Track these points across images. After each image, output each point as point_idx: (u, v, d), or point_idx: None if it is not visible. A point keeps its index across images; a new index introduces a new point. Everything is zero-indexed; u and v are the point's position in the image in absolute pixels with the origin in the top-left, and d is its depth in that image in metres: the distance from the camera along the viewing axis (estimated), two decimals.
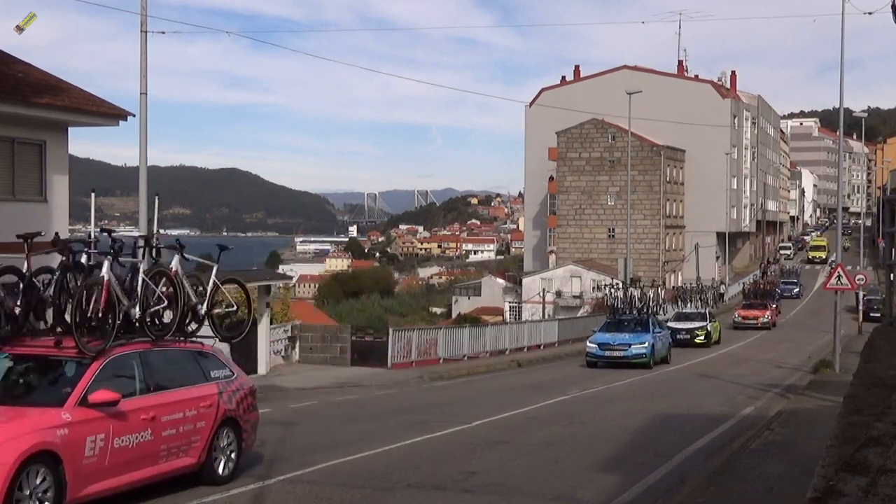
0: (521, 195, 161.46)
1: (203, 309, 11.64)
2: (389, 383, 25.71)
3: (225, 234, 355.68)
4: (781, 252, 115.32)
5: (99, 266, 10.36)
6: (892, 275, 12.02)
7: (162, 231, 25.16)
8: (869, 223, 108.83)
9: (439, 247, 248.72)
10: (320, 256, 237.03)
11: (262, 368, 26.95)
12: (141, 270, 10.77)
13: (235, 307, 13.46)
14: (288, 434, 15.16)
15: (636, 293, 43.54)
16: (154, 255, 11.30)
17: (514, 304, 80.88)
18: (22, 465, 8.41)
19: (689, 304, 53.23)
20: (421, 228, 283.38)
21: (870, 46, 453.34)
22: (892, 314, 10.40)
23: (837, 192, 42.80)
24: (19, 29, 17.07)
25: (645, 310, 40.16)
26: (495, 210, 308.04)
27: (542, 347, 39.96)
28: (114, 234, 11.42)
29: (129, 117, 25.07)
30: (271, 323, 28.15)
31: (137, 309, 10.55)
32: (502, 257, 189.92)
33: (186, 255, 11.83)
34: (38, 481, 8.57)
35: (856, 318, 50.08)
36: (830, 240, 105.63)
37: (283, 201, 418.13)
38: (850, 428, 5.49)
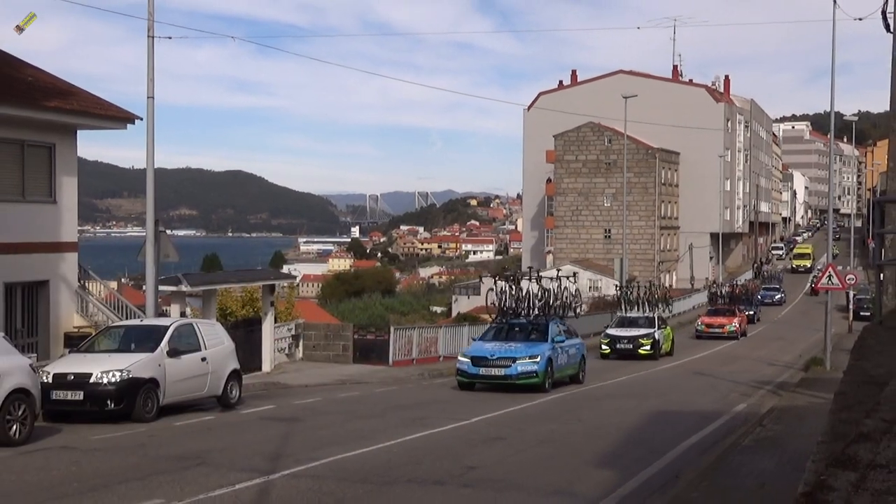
0: (519, 197, 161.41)
1: None
2: (390, 380, 25.72)
3: (230, 234, 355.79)
4: (773, 252, 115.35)
5: None
6: (881, 275, 12.01)
7: (169, 231, 25.17)
8: (859, 224, 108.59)
9: (439, 247, 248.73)
10: (323, 256, 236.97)
11: (266, 366, 26.98)
12: None
13: None
14: (292, 430, 15.17)
15: (555, 286, 27.80)
16: None
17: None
18: None
19: (637, 308, 41.00)
20: (421, 229, 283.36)
21: (860, 52, 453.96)
22: (882, 313, 10.39)
23: (828, 194, 42.79)
24: (19, 29, 17.00)
25: (560, 309, 27.49)
26: (494, 211, 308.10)
27: None
28: None
29: (136, 120, 25.09)
30: (275, 321, 28.16)
31: None
32: (501, 257, 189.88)
33: None
34: None
35: (846, 316, 50.07)
36: (816, 247, 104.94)
37: (286, 203, 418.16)
38: (841, 424, 5.49)
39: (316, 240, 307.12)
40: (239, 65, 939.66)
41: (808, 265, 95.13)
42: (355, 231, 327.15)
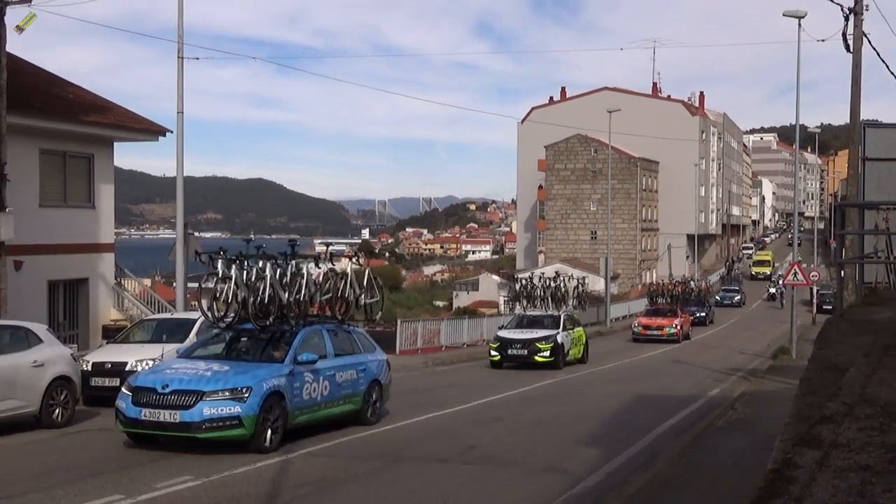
0: (513, 202, 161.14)
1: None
2: (397, 368, 25.62)
3: (252, 236, 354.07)
4: (744, 251, 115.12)
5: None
6: (842, 272, 12.01)
7: (196, 234, 25.16)
8: (822, 226, 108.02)
9: (441, 247, 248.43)
10: (336, 256, 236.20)
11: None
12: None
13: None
14: None
15: (317, 268, 14.73)
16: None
17: (508, 298, 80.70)
18: None
19: (543, 306, 30.01)
20: (425, 231, 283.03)
21: (823, 70, 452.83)
22: (843, 307, 10.39)
23: (794, 199, 42.77)
24: (19, 29, 16.76)
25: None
26: (491, 215, 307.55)
27: None
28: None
29: (167, 133, 25.12)
30: None
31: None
32: (497, 257, 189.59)
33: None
34: None
35: (810, 310, 50.05)
36: (777, 252, 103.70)
37: (303, 207, 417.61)
38: (806, 407, 5.49)
39: (330, 241, 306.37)
40: (261, 83, 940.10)
41: (768, 272, 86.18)
42: (365, 233, 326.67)
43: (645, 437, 13.25)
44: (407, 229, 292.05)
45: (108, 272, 24.88)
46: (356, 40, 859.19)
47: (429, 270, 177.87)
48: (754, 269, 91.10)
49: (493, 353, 25.67)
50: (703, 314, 48.20)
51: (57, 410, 13.71)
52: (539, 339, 25.31)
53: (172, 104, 21.00)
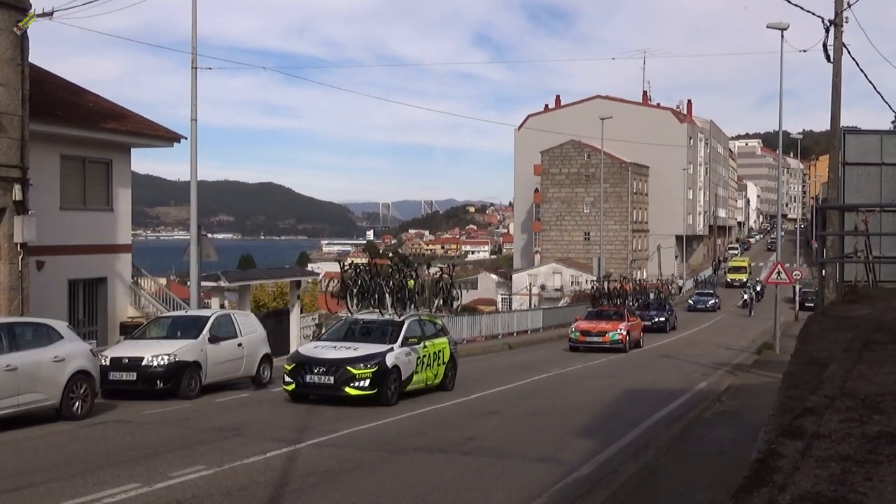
0: (511, 204, 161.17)
1: None
2: None
3: (262, 237, 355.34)
4: (730, 252, 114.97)
5: None
6: (823, 271, 12.00)
7: (209, 235, 25.14)
8: (803, 227, 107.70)
9: (442, 248, 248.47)
10: (342, 256, 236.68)
11: (293, 350, 26.89)
12: None
13: None
14: (315, 406, 15.14)
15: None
16: None
17: (506, 296, 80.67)
18: None
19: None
20: (427, 232, 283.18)
21: (804, 78, 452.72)
22: (824, 304, 10.37)
23: (777, 201, 42.79)
24: (19, 28, 16.76)
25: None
26: (489, 217, 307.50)
27: (528, 332, 39.91)
28: None
29: (181, 139, 25.10)
30: (301, 312, 28.13)
31: None
32: (495, 257, 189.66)
33: None
34: None
35: (793, 307, 50.01)
36: (755, 258, 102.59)
37: (311, 210, 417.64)
38: (789, 400, 5.48)
39: (336, 242, 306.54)
40: (270, 92, 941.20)
41: (744, 279, 75.48)
42: (370, 234, 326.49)
43: (636, 428, 13.23)
44: (409, 231, 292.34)
45: (126, 272, 24.88)
46: (361, 50, 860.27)
47: (430, 270, 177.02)
48: (730, 276, 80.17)
49: (287, 378, 15.81)
50: (661, 319, 40.70)
51: (77, 403, 13.70)
52: (354, 361, 15.51)
53: (186, 112, 20.98)
